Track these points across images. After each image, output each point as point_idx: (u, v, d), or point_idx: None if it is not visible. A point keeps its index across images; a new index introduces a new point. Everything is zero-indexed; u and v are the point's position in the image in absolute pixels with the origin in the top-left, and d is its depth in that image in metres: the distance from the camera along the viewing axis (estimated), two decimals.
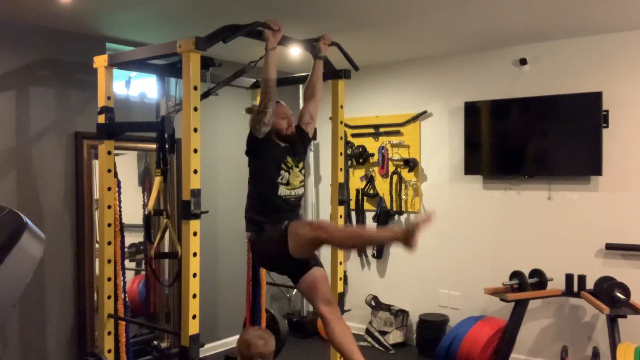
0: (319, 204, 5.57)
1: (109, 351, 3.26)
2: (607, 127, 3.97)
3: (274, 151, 3.04)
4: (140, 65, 3.37)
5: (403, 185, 5.00)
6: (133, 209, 4.05)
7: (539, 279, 3.99)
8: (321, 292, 3.01)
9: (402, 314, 4.91)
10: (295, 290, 4.36)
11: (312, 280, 3.03)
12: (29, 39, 3.57)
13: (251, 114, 3.10)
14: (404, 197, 5.00)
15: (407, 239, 2.63)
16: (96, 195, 3.73)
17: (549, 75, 4.24)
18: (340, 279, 3.47)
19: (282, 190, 3.02)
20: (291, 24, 3.28)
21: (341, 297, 3.48)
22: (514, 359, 4.23)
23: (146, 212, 3.18)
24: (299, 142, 3.17)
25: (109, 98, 3.25)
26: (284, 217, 3.00)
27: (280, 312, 4.22)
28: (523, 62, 4.31)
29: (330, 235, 2.85)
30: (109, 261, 3.27)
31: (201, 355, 3.78)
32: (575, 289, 3.89)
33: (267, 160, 3.02)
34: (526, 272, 3.98)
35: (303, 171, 3.16)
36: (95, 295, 3.70)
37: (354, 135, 5.26)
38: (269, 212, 3.02)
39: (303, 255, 2.95)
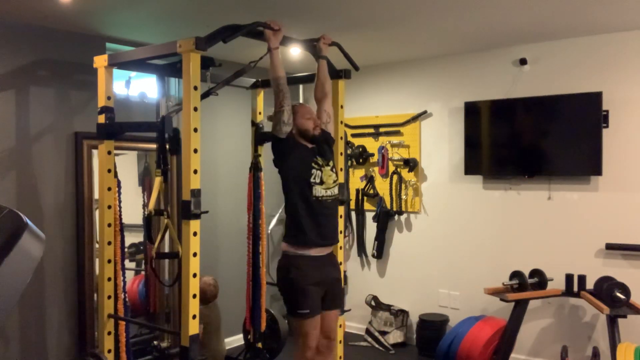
0: None
1: (109, 351, 3.26)
2: (607, 127, 3.97)
3: (301, 151, 3.02)
4: (140, 65, 3.36)
5: (403, 185, 5.00)
6: (133, 209, 4.05)
7: (539, 279, 3.99)
8: (327, 327, 3.12)
9: (402, 314, 4.91)
10: None
11: (325, 315, 3.11)
12: (29, 39, 3.57)
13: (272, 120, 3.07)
14: (404, 197, 4.99)
15: None
16: (96, 195, 3.73)
17: (549, 75, 4.24)
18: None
19: (317, 190, 2.99)
20: (291, 24, 3.28)
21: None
22: (514, 359, 4.24)
23: (147, 212, 3.18)
24: (323, 143, 3.15)
25: (109, 98, 3.24)
26: (322, 233, 3.02)
27: (280, 312, 4.21)
28: (523, 62, 4.30)
29: None
30: (109, 261, 3.27)
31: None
32: (575, 289, 3.89)
33: (296, 161, 2.99)
34: (526, 272, 3.98)
35: (334, 170, 3.13)
36: (95, 295, 3.69)
37: (354, 135, 5.26)
38: (307, 218, 2.98)
39: None
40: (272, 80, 2.95)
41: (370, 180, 5.18)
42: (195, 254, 2.69)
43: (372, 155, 5.17)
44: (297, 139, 3.04)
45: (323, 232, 3.04)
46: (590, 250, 4.09)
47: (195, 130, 2.68)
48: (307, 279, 2.97)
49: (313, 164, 3.00)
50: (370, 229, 5.20)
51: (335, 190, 3.09)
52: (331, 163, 3.12)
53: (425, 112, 4.88)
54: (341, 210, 3.48)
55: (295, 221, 3.03)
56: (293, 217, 3.04)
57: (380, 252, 5.13)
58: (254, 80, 3.97)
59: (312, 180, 2.98)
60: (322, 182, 3.01)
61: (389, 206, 5.05)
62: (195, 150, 2.67)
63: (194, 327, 2.70)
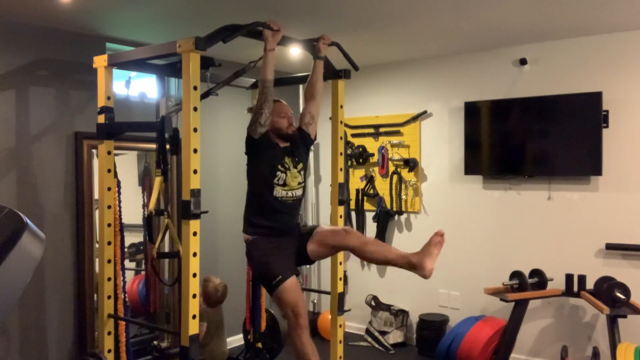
0: (319, 204, 5.57)
1: (109, 351, 3.26)
2: (607, 127, 3.97)
3: (271, 152, 3.03)
4: (140, 65, 3.36)
5: (403, 185, 5.00)
6: (133, 209, 4.05)
7: (539, 279, 3.99)
8: (338, 233, 3.02)
9: (402, 314, 4.92)
10: None
11: (319, 234, 3.03)
12: (29, 39, 3.57)
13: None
14: (404, 197, 4.99)
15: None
16: (96, 195, 3.73)
17: (549, 75, 4.24)
18: (340, 279, 3.47)
19: (278, 191, 3.01)
20: (291, 24, 3.28)
21: (341, 297, 3.48)
22: (514, 359, 4.24)
23: (147, 212, 3.18)
24: (300, 143, 3.16)
25: (108, 98, 3.24)
26: (279, 228, 3.03)
27: (280, 312, 4.21)
28: (523, 62, 4.31)
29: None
30: (109, 261, 3.26)
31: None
32: (575, 289, 3.89)
33: (264, 161, 3.02)
34: (526, 272, 3.98)
35: (302, 172, 3.14)
36: (95, 295, 3.70)
37: (354, 135, 5.26)
38: (264, 215, 3.03)
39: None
40: (260, 81, 2.94)
41: (370, 180, 5.18)
42: (195, 254, 2.69)
43: (372, 155, 5.17)
44: (270, 136, 3.04)
45: (280, 227, 3.06)
46: (590, 250, 4.09)
47: (195, 130, 2.67)
48: (268, 252, 2.99)
49: (279, 167, 3.02)
50: (370, 229, 5.20)
51: (298, 193, 3.11)
52: (300, 165, 3.12)
53: (425, 112, 4.88)
54: (341, 210, 3.49)
55: (252, 214, 3.08)
56: (250, 209, 3.09)
57: None
58: (254, 80, 3.96)
59: (274, 181, 3.01)
60: (284, 185, 3.03)
61: (389, 206, 5.05)
62: (195, 150, 2.67)
63: (194, 327, 2.70)
